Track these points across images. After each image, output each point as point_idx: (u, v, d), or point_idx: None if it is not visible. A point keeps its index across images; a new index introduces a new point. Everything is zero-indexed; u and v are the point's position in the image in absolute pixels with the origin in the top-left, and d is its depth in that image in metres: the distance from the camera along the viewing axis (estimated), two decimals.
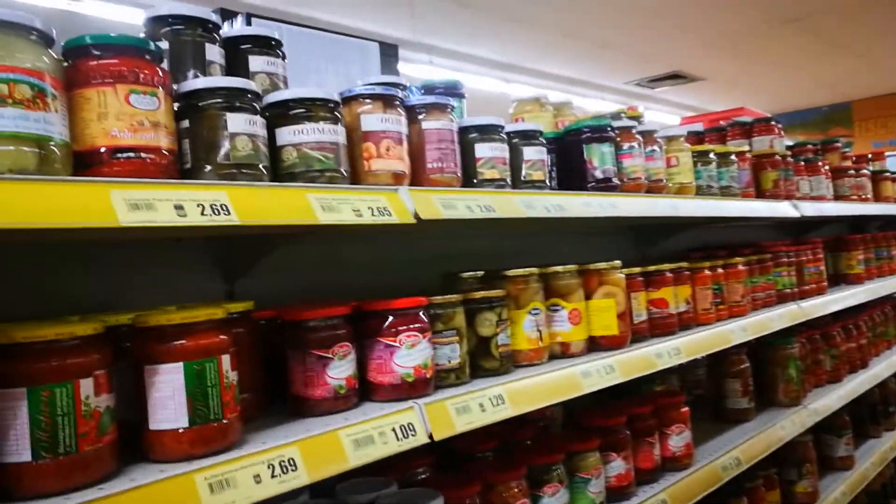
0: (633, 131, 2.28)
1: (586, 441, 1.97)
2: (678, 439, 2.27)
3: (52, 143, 1.10)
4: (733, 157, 2.82)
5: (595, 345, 2.02)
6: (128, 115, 1.20)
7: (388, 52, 2.99)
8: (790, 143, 3.64)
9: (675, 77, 10.37)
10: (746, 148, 3.05)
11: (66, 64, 1.20)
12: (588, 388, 1.83)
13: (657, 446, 2.20)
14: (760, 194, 3.02)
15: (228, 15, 2.61)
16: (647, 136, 2.36)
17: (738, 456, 2.39)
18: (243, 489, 1.16)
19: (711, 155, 2.69)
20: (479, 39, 7.89)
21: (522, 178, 1.91)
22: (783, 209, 2.94)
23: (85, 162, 1.18)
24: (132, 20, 6.06)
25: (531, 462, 1.82)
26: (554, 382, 1.76)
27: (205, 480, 1.12)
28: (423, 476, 1.80)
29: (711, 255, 2.93)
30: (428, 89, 2.19)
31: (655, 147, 2.38)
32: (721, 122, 3.84)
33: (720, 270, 2.61)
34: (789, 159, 3.20)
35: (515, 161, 1.91)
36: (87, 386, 1.08)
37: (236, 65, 1.59)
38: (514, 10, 7.12)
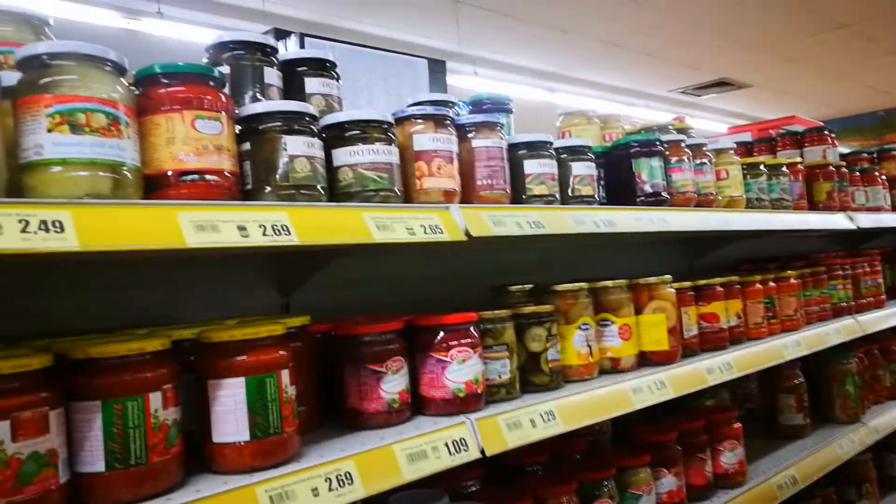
0: (682, 145, 2.27)
1: (637, 456, 1.96)
2: (731, 456, 2.23)
3: (125, 168, 1.16)
4: (784, 168, 2.78)
5: (645, 360, 2.01)
6: (194, 139, 1.25)
7: (437, 69, 3.02)
8: (845, 150, 3.55)
9: (721, 84, 10.21)
10: (798, 159, 2.99)
11: (136, 91, 1.26)
12: (639, 403, 1.82)
13: (709, 463, 2.17)
14: (814, 206, 2.95)
15: (282, 35, 2.68)
16: (696, 149, 2.34)
17: (793, 474, 2.34)
18: (302, 502, 1.19)
19: (762, 167, 2.65)
20: (523, 50, 7.91)
21: (571, 193, 1.92)
22: (838, 221, 2.87)
23: (154, 184, 1.24)
24: (188, 37, 6.27)
25: (582, 477, 1.82)
26: (604, 398, 1.76)
27: (265, 493, 1.16)
28: (472, 489, 1.82)
29: (762, 268, 2.89)
30: (476, 105, 2.21)
31: (705, 160, 2.36)
32: (771, 132, 3.77)
33: (772, 284, 2.56)
34: (844, 169, 3.13)
35: (564, 176, 1.92)
36: (156, 399, 1.13)
37: (293, 86, 1.64)
38: (558, 20, 7.12)
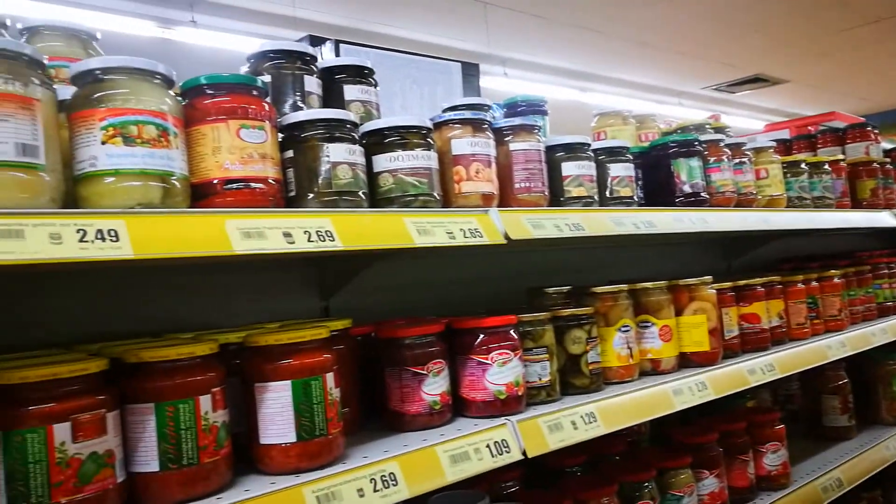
0: (721, 144, 2.24)
1: (678, 458, 1.94)
2: (774, 457, 2.20)
3: (173, 177, 1.19)
4: (826, 166, 2.73)
5: (686, 361, 1.99)
6: (239, 148, 1.28)
7: (470, 72, 3.05)
8: (888, 146, 3.47)
9: (756, 80, 10.04)
10: (840, 156, 2.93)
11: (183, 102, 1.29)
12: (680, 405, 1.80)
13: (751, 464, 2.14)
14: (857, 204, 2.89)
15: (317, 41, 2.72)
16: (735, 148, 2.32)
17: (839, 476, 2.30)
18: (348, 503, 1.21)
19: (803, 165, 2.61)
20: (553, 50, 7.88)
21: (609, 194, 1.91)
22: (883, 219, 2.81)
23: (200, 193, 1.27)
24: (221, 45, 6.38)
25: (622, 478, 1.81)
26: (645, 400, 1.75)
27: (312, 493, 1.18)
28: (512, 490, 1.82)
29: (803, 267, 2.84)
30: (511, 107, 2.22)
31: (744, 159, 2.33)
32: (810, 129, 3.71)
33: (815, 284, 2.52)
34: (888, 166, 3.06)
35: (602, 178, 1.91)
36: (206, 402, 1.16)
37: (332, 94, 1.67)
38: (589, 20, 7.09)
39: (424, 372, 1.48)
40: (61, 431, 1.00)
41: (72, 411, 1.02)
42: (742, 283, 2.22)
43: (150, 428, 1.12)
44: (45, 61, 1.14)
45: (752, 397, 2.62)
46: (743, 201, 2.28)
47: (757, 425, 2.23)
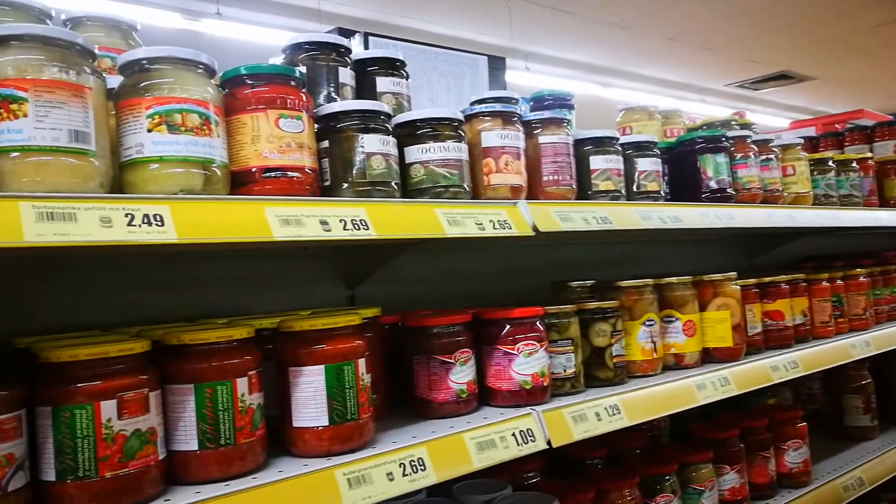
0: (748, 140, 2.24)
1: (699, 453, 1.96)
2: (795, 455, 2.21)
3: (214, 164, 1.23)
4: (854, 164, 2.71)
5: (709, 357, 2.00)
6: (277, 137, 1.31)
7: (496, 65, 3.06)
8: None
9: (781, 77, 9.93)
10: (868, 154, 2.91)
11: (223, 92, 1.33)
12: (703, 399, 1.82)
13: (772, 461, 2.15)
14: (885, 202, 2.87)
15: (346, 34, 2.75)
16: (762, 145, 2.31)
17: (860, 476, 2.30)
18: (378, 485, 1.24)
19: (830, 163, 2.59)
20: (577, 45, 7.85)
21: (636, 189, 1.92)
22: None
23: (239, 181, 1.30)
24: (246, 37, 6.44)
25: (644, 471, 1.83)
26: (669, 394, 1.76)
27: (344, 476, 1.21)
28: (533, 480, 1.85)
29: (827, 266, 2.83)
30: (537, 101, 2.23)
31: (771, 156, 2.33)
32: (837, 127, 3.68)
33: (839, 282, 2.51)
34: None
35: (629, 172, 1.92)
36: (242, 384, 1.20)
37: (364, 85, 1.69)
38: (612, 15, 7.05)
39: (452, 361, 1.51)
40: (108, 408, 1.04)
41: (118, 389, 1.06)
42: (766, 279, 2.22)
43: (189, 408, 1.16)
44: (96, 51, 1.17)
45: (773, 395, 2.62)
46: (769, 198, 2.28)
47: (779, 422, 2.23)
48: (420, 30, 6.82)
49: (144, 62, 1.21)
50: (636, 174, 1.94)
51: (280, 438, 1.32)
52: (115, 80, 1.24)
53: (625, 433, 2.00)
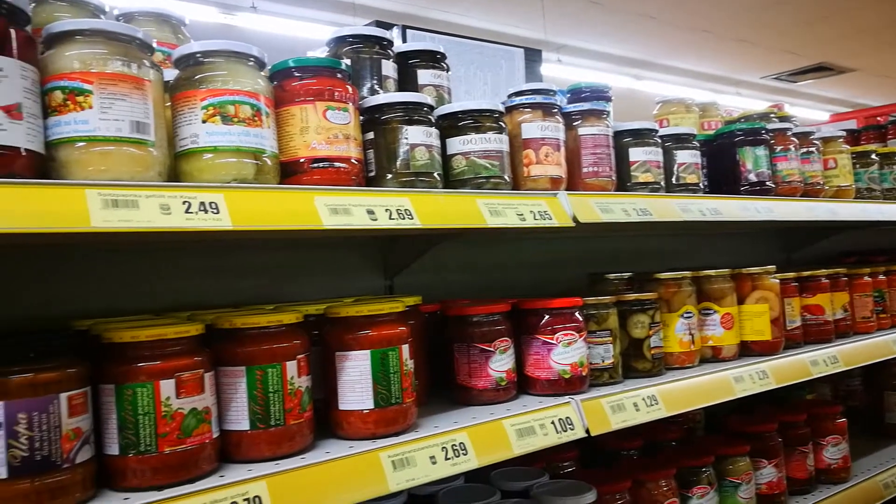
0: (789, 133, 2.22)
1: (736, 445, 1.96)
2: (834, 451, 2.19)
3: (265, 155, 1.27)
4: None
5: (746, 350, 2.00)
6: (325, 128, 1.34)
7: (532, 58, 3.07)
8: None
9: (820, 69, 9.73)
10: None
11: (273, 84, 1.36)
12: (740, 392, 1.82)
13: (811, 457, 2.13)
14: None
15: (384, 27, 2.77)
16: (803, 137, 2.29)
17: None
18: (421, 468, 1.27)
19: (873, 156, 2.56)
20: (609, 37, 7.79)
21: (675, 181, 1.92)
22: None
23: (288, 171, 1.34)
24: (281, 31, 6.51)
25: (680, 463, 1.84)
26: (706, 385, 1.77)
27: (388, 458, 1.25)
28: (569, 470, 1.87)
29: (869, 260, 2.79)
30: (575, 93, 2.23)
31: (812, 149, 2.30)
32: (879, 119, 3.61)
33: (882, 277, 2.47)
34: None
35: (668, 164, 1.92)
36: (292, 367, 1.24)
37: (406, 78, 1.72)
38: (646, 6, 6.98)
39: (491, 349, 1.53)
40: (167, 387, 1.09)
41: (176, 370, 1.10)
42: (806, 273, 2.20)
43: (241, 389, 1.20)
44: (155, 45, 1.21)
45: (811, 391, 2.59)
46: (810, 191, 2.26)
47: (818, 418, 2.22)
48: (453, 22, 6.83)
49: (199, 55, 1.25)
50: (675, 166, 1.94)
51: (326, 421, 1.35)
52: (168, 73, 1.29)
53: (660, 425, 2.02)
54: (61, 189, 1.01)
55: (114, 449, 1.08)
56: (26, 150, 1.03)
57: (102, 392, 1.09)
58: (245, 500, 1.09)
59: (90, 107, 1.09)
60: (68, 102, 1.08)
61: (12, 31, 1.03)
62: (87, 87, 1.09)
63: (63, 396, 1.01)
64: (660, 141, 1.90)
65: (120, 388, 1.07)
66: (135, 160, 1.12)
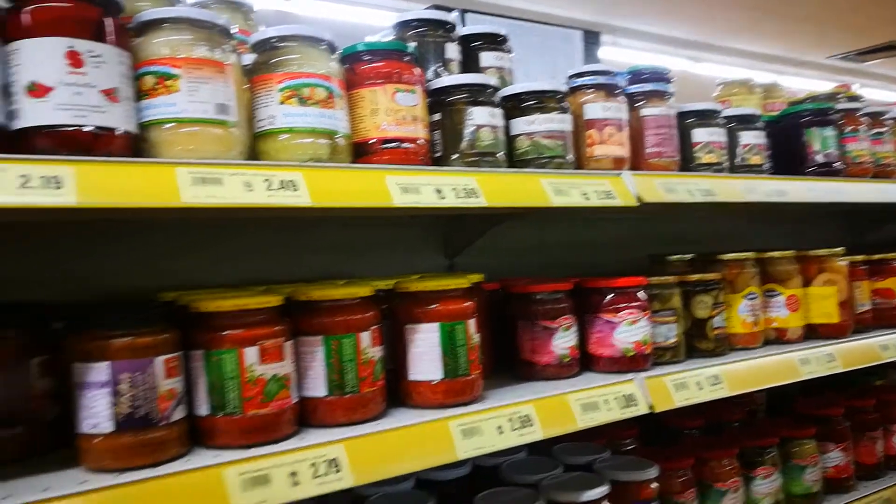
0: (858, 114, 2.17)
1: (802, 428, 1.94)
2: None
3: (338, 135, 1.32)
4: None
5: (813, 333, 1.97)
6: (394, 110, 1.39)
7: (590, 40, 3.05)
8: None
9: (889, 48, 9.31)
10: None
11: (344, 67, 1.41)
12: (806, 374, 1.80)
13: (880, 442, 2.09)
14: None
15: (443, 11, 2.80)
16: (875, 118, 2.23)
17: None
18: (488, 437, 1.31)
19: None
20: (665, 18, 7.62)
21: (739, 162, 1.91)
22: None
23: (359, 151, 1.39)
24: (336, 16, 6.60)
25: (744, 443, 1.83)
26: (771, 367, 1.75)
27: (458, 427, 1.29)
28: (629, 447, 1.88)
29: None
30: (635, 75, 2.22)
31: (883, 129, 2.24)
32: None
33: None
34: None
35: (732, 146, 1.90)
36: (366, 338, 1.29)
37: (469, 60, 1.75)
38: None
39: (555, 326, 1.56)
40: (250, 354, 1.15)
41: (258, 338, 1.17)
42: (877, 257, 2.15)
43: (318, 358, 1.26)
44: (235, 31, 1.28)
45: (880, 377, 2.53)
46: (881, 173, 2.20)
47: (888, 403, 2.17)
48: (506, 5, 6.79)
49: (274, 40, 1.30)
50: (739, 147, 1.92)
51: (396, 391, 1.41)
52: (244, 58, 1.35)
53: (722, 406, 2.01)
54: (154, 167, 1.08)
55: (204, 410, 1.15)
56: (123, 131, 1.10)
57: (192, 358, 1.16)
58: (324, 461, 1.15)
59: (178, 90, 1.15)
60: (158, 86, 1.15)
61: (108, 20, 1.11)
62: (175, 71, 1.16)
63: (159, 359, 1.08)
64: (723, 122, 1.89)
65: (208, 354, 1.15)
66: (218, 140, 1.19)
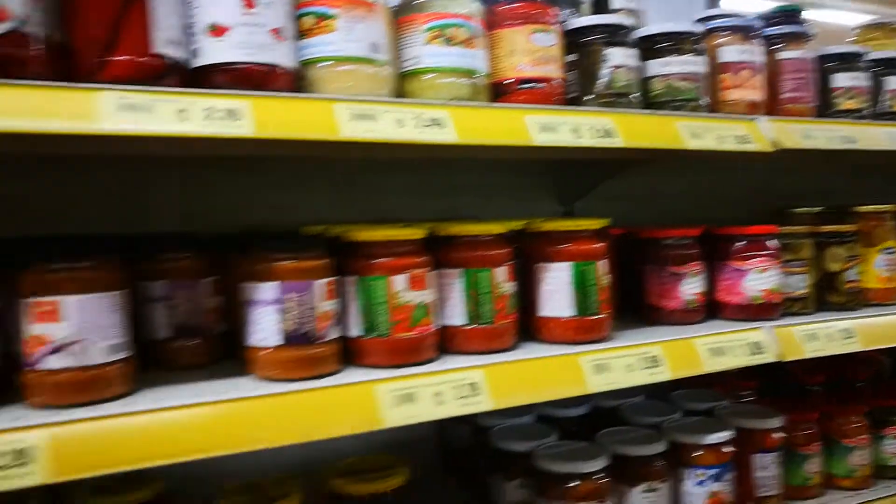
0: None
1: None
2: None
3: (478, 75, 1.35)
4: None
5: None
6: (531, 51, 1.41)
7: None
8: None
9: None
10: None
11: (484, 8, 1.44)
12: None
13: None
14: None
15: None
16: None
17: None
18: (617, 374, 1.35)
19: None
20: None
21: (884, 108, 1.81)
22: None
23: (496, 91, 1.42)
24: None
25: (874, 402, 1.78)
26: None
27: (589, 362, 1.33)
28: (748, 398, 1.87)
29: None
30: (768, 17, 2.13)
31: None
32: None
33: None
34: None
35: (875, 91, 1.81)
36: (500, 273, 1.34)
37: (599, 2, 1.73)
38: None
39: (683, 272, 1.56)
40: (399, 281, 1.23)
41: (407, 266, 1.24)
42: None
43: (457, 289, 1.32)
44: None
45: None
46: None
47: None
48: None
49: None
50: (884, 93, 1.82)
51: (526, 327, 1.45)
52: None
53: (847, 363, 1.96)
54: (317, 103, 1.16)
55: (355, 332, 1.24)
56: (287, 68, 1.18)
57: (346, 283, 1.25)
58: (463, 384, 1.22)
59: (335, 30, 1.22)
60: (317, 26, 1.22)
61: None
62: (333, 11, 1.22)
63: (320, 282, 1.17)
64: (867, 66, 1.79)
65: (361, 280, 1.23)
66: (371, 78, 1.25)
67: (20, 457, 0.94)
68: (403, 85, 1.35)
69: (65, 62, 1.04)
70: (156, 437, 1.02)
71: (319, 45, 1.22)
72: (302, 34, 1.23)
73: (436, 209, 1.86)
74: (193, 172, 1.58)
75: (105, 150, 1.28)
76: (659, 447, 1.51)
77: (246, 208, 1.65)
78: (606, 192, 2.03)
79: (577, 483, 1.39)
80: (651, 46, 1.57)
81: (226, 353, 1.32)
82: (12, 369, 1.07)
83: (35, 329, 1.02)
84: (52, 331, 1.02)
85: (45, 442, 0.96)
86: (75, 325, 1.03)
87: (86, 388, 1.04)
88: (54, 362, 1.02)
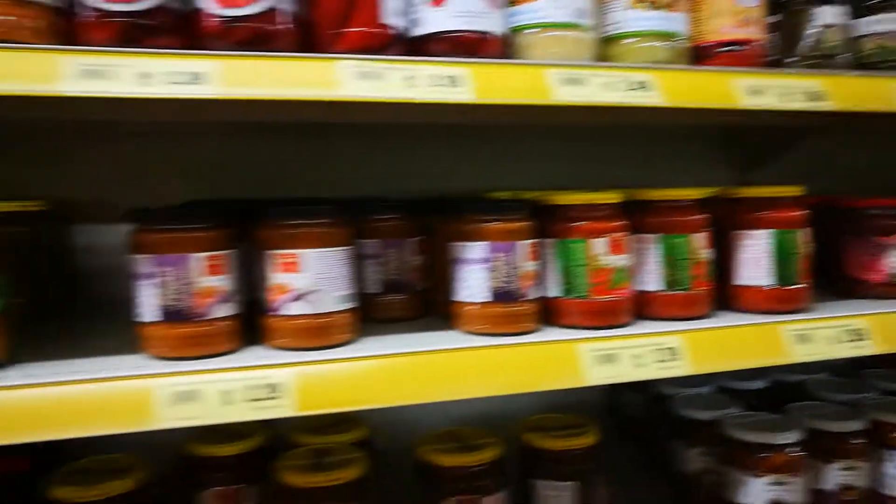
0: None
1: None
2: None
3: (679, 38, 1.33)
4: None
5: None
6: (735, 12, 1.36)
7: None
8: None
9: None
10: None
11: None
12: None
13: None
14: None
15: None
16: None
17: None
18: (819, 346, 1.30)
19: None
20: None
21: None
22: None
23: (696, 55, 1.39)
24: None
25: None
26: None
27: (790, 332, 1.30)
28: None
29: None
30: None
31: None
32: None
33: None
34: None
35: None
36: (697, 240, 1.33)
37: None
38: None
39: (890, 243, 1.47)
40: (598, 245, 1.25)
41: (604, 231, 1.26)
42: None
43: (654, 255, 1.33)
44: None
45: None
46: None
47: None
48: None
49: None
50: None
51: (720, 295, 1.43)
52: None
53: None
54: (530, 68, 1.19)
55: (555, 292, 1.28)
56: (498, 35, 1.22)
57: (546, 245, 1.29)
58: (662, 348, 1.23)
59: None
60: None
61: None
62: None
63: (524, 243, 1.22)
64: None
65: (561, 243, 1.26)
66: (576, 43, 1.26)
67: (273, 391, 1.06)
68: (604, 50, 1.35)
69: (306, 36, 1.14)
70: (379, 382, 1.11)
71: (528, 13, 1.25)
72: (511, 2, 1.26)
73: (605, 177, 1.86)
74: (401, 140, 1.69)
75: (339, 118, 1.39)
76: (857, 424, 1.45)
77: (441, 176, 1.75)
78: (781, 162, 1.95)
79: (769, 454, 1.37)
80: (862, 3, 1.47)
81: (426, 310, 1.40)
82: (255, 315, 1.20)
83: (278, 279, 1.14)
84: (292, 280, 1.13)
85: (292, 379, 1.07)
86: (313, 276, 1.13)
87: (320, 333, 1.14)
88: (294, 309, 1.14)
